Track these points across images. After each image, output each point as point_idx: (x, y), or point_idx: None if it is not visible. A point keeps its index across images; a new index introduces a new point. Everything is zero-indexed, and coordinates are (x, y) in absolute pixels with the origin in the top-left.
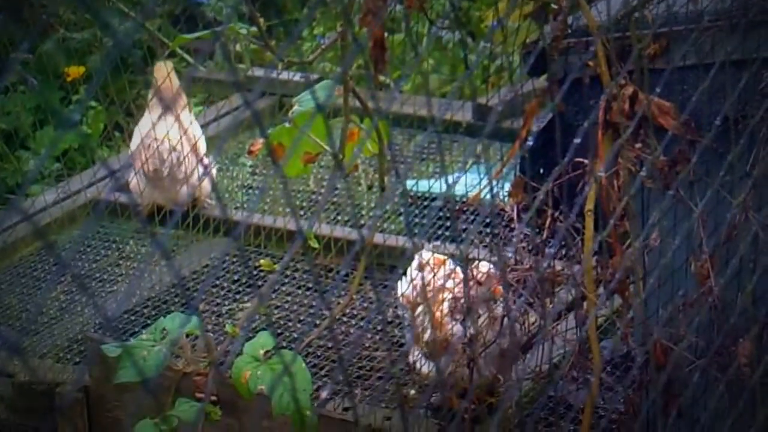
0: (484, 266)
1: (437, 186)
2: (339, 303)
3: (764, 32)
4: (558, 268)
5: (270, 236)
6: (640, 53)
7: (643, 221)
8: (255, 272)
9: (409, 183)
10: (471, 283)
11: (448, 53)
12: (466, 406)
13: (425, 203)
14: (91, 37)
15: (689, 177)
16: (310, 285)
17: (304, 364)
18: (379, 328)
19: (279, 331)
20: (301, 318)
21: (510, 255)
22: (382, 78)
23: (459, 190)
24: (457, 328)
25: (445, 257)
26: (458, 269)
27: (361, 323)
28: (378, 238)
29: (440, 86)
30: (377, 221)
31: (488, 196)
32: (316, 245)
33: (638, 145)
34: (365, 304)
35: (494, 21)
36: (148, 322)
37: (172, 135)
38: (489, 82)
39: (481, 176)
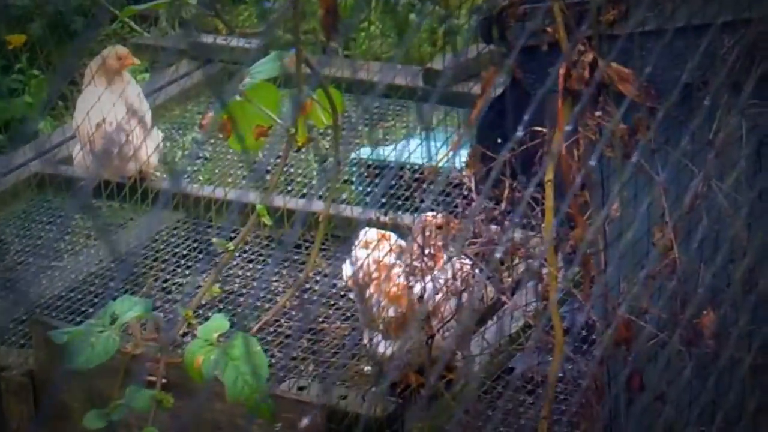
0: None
1: (391, 154)
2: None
3: None
4: (517, 238)
5: (221, 209)
6: (599, 19)
7: (604, 191)
8: (206, 246)
9: (364, 151)
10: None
11: (399, 16)
12: (423, 382)
13: (379, 172)
14: (31, 3)
15: (650, 145)
16: (262, 258)
17: (259, 347)
18: (332, 302)
19: (231, 308)
20: (255, 294)
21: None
22: (332, 44)
23: (414, 158)
24: (418, 294)
25: (389, 233)
26: (404, 244)
27: (315, 298)
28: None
29: (389, 50)
30: (333, 192)
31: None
32: (269, 222)
33: (598, 113)
34: (318, 278)
35: None
36: (95, 300)
37: (118, 110)
38: (438, 45)
39: (437, 144)
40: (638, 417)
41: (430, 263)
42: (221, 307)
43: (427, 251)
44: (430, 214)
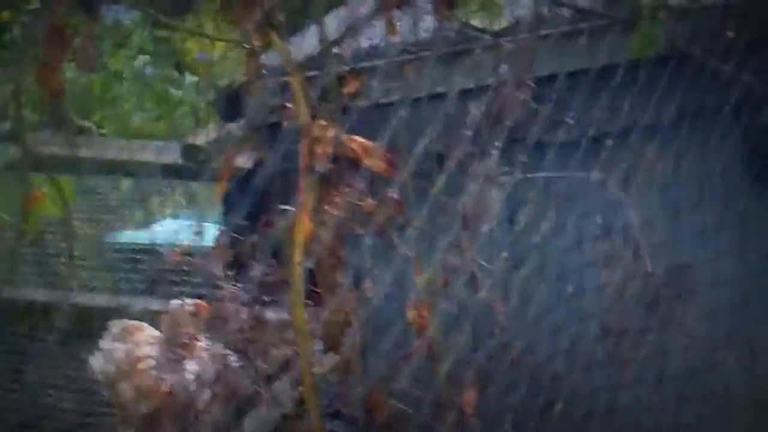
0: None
1: (147, 236)
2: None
3: (464, 62)
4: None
5: None
6: (340, 91)
7: (359, 270)
8: None
9: (125, 235)
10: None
11: (154, 89)
12: None
13: (136, 256)
14: None
15: (400, 220)
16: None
17: None
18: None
19: None
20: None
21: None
22: (82, 122)
23: (170, 238)
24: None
25: (143, 323)
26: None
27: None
28: (83, 298)
29: (144, 125)
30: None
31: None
32: None
33: (345, 189)
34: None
35: (200, 52)
36: None
37: None
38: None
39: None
40: None
41: (184, 353)
42: None
43: (179, 341)
44: (178, 302)
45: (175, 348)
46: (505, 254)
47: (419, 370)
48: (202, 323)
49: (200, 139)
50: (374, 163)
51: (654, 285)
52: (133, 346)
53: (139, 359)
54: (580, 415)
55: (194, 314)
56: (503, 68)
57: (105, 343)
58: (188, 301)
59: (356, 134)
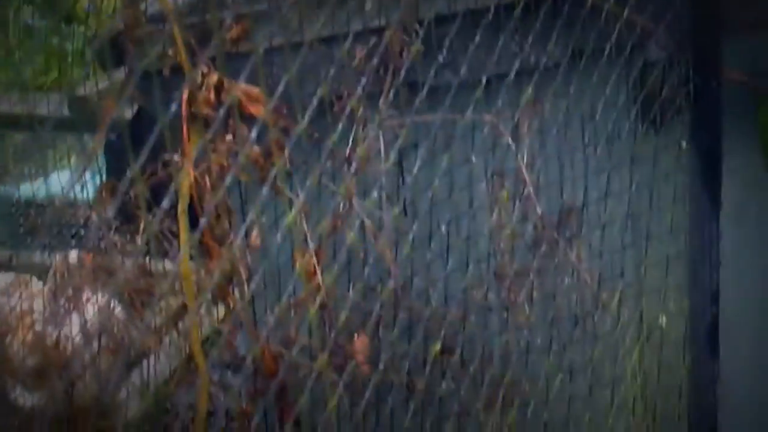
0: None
1: (36, 190)
2: None
3: (354, 4)
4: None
5: None
6: (222, 37)
7: (244, 218)
8: None
9: (8, 189)
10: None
11: (42, 40)
12: None
13: (24, 210)
14: None
15: (286, 167)
16: None
17: None
18: None
19: None
20: None
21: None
22: None
23: (59, 191)
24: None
25: (27, 276)
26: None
27: None
28: None
29: (35, 77)
30: None
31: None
32: None
33: (229, 137)
34: None
35: (88, 3)
36: None
37: None
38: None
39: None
40: None
41: (70, 306)
42: None
43: (65, 294)
44: (63, 254)
45: (61, 300)
46: (396, 201)
47: (310, 319)
48: (88, 275)
49: (87, 90)
50: (258, 110)
51: (542, 227)
52: (18, 299)
53: (25, 313)
54: (476, 361)
55: (79, 266)
56: (390, 11)
57: None
58: (73, 253)
59: (241, 80)
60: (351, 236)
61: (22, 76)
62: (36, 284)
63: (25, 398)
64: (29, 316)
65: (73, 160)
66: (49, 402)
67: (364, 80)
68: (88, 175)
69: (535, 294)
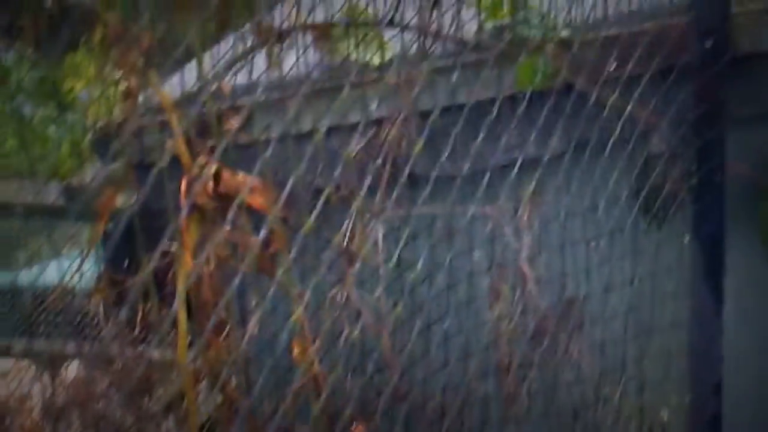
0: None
1: (28, 277)
2: None
3: (349, 96)
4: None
5: None
6: (220, 128)
7: (243, 305)
8: None
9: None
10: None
11: (34, 128)
12: None
13: (17, 297)
14: None
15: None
16: None
17: None
18: None
19: None
20: None
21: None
22: None
23: (52, 279)
24: None
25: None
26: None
27: None
28: None
29: (30, 166)
30: None
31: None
32: None
33: (227, 228)
34: None
35: (83, 91)
36: None
37: None
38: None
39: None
40: None
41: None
42: None
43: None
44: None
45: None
46: (390, 288)
47: (306, 406)
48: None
49: (81, 178)
50: (257, 200)
51: (542, 318)
52: (16, 384)
53: (24, 398)
54: None
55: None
56: (387, 102)
57: None
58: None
59: (238, 170)
60: (352, 331)
61: (17, 164)
62: (32, 370)
63: None
64: (28, 402)
65: (68, 248)
66: None
67: (365, 175)
68: (86, 264)
69: (535, 386)
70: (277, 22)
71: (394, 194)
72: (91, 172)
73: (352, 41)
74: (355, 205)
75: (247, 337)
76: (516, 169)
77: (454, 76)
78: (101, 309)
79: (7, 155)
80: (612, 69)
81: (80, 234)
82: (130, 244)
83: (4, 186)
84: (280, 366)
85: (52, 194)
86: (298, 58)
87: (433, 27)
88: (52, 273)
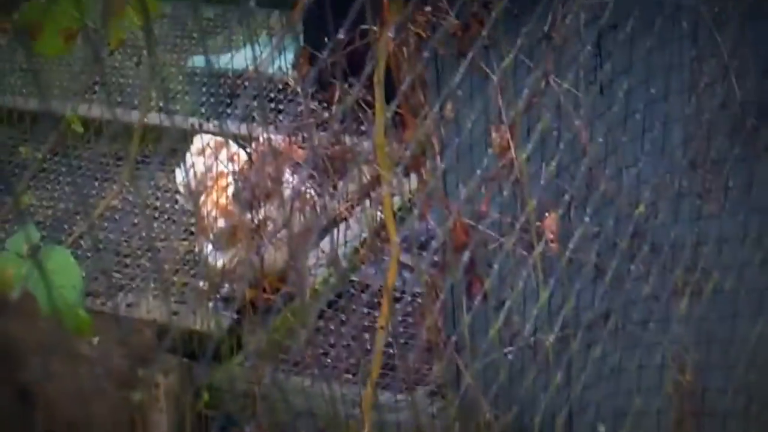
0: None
1: (225, 61)
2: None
3: None
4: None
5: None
6: None
7: (439, 91)
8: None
9: (197, 60)
10: (255, 162)
11: None
12: (258, 296)
13: (216, 80)
14: None
15: (485, 41)
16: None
17: (73, 259)
18: (167, 216)
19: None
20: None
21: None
22: None
23: (241, 64)
24: (245, 213)
25: (225, 139)
26: (241, 152)
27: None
28: (156, 119)
29: None
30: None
31: (271, 70)
32: (81, 129)
33: (428, 9)
34: (150, 192)
35: None
36: None
37: None
38: None
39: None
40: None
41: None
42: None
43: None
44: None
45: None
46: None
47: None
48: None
49: None
50: None
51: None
52: (213, 161)
53: (219, 175)
54: (667, 247)
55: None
56: None
57: (188, 157)
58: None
59: None
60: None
61: None
62: (231, 148)
63: (213, 257)
64: (222, 178)
65: (263, 34)
66: (237, 263)
67: None
68: (286, 42)
69: (731, 182)
70: None
71: None
72: None
73: None
74: None
75: (442, 120)
76: None
77: None
78: (302, 87)
79: None
80: None
81: (279, 21)
82: (330, 23)
83: None
84: (474, 153)
85: None
86: None
87: None
88: (251, 58)
